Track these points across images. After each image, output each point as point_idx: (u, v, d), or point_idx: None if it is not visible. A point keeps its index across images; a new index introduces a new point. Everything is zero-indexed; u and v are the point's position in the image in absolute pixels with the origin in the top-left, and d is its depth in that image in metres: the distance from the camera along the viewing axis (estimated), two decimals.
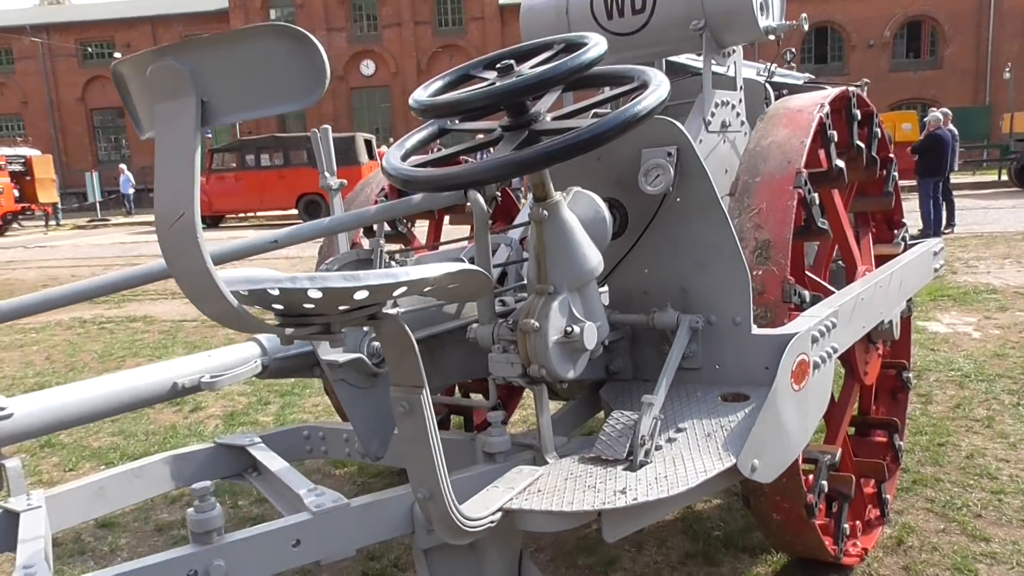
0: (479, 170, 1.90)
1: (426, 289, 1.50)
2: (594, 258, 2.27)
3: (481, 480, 2.18)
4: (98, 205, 32.64)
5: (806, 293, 2.79)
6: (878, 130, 3.64)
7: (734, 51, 3.77)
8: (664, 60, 4.11)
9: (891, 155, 3.87)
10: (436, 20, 44.58)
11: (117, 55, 45.87)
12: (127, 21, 47.89)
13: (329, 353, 2.31)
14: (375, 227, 2.45)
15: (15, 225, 29.39)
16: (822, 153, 3.20)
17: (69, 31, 48.30)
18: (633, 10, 3.67)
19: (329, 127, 2.50)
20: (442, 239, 4.73)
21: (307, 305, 1.40)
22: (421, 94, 2.15)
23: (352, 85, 44.67)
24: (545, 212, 2.19)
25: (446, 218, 4.55)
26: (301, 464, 4.41)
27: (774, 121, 3.13)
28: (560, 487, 2.04)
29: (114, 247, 21.28)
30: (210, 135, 38.51)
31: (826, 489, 2.99)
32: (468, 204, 2.40)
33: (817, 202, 2.93)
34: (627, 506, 1.90)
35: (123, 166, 34.82)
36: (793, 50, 5.63)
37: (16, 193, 28.25)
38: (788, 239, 2.76)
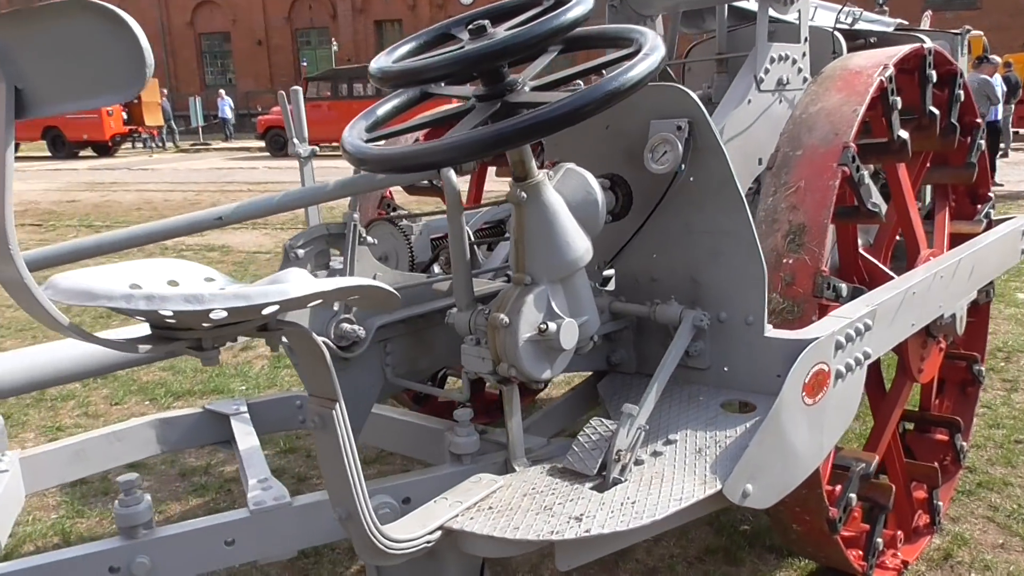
0: (430, 151, 1.67)
1: (317, 301, 1.30)
2: (580, 246, 2.01)
3: (441, 484, 2.01)
4: (200, 130, 33.53)
5: (843, 286, 2.45)
6: (960, 92, 3.18)
7: None
8: (726, 6, 3.71)
9: (978, 120, 3.40)
10: None
11: None
12: None
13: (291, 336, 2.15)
14: (350, 200, 2.26)
15: (137, 145, 30.54)
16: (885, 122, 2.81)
17: None
18: None
19: (300, 88, 2.30)
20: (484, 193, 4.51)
21: (169, 320, 1.22)
22: (384, 59, 1.90)
23: (450, 13, 44.02)
24: (524, 194, 1.94)
25: (490, 169, 4.30)
26: (297, 437, 4.33)
27: (827, 84, 2.75)
28: (515, 505, 1.84)
29: (210, 172, 21.86)
30: (306, 63, 38.83)
31: (854, 502, 2.70)
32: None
33: (867, 181, 2.56)
34: (578, 538, 1.69)
35: (222, 91, 35.55)
36: None
37: (124, 116, 29.27)
38: (826, 224, 2.42)
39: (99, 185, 19.34)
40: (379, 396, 2.52)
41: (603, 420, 2.05)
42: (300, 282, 1.31)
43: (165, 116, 31.46)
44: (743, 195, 2.14)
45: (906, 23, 4.78)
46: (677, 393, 2.30)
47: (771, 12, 3.27)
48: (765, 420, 2.01)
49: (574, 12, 1.77)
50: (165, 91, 34.27)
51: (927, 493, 3.39)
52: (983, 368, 3.81)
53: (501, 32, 1.82)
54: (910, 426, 3.72)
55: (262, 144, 27.11)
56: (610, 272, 2.48)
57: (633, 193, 2.26)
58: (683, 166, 2.17)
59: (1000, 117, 13.83)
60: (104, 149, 29.13)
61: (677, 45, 3.95)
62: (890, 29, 4.59)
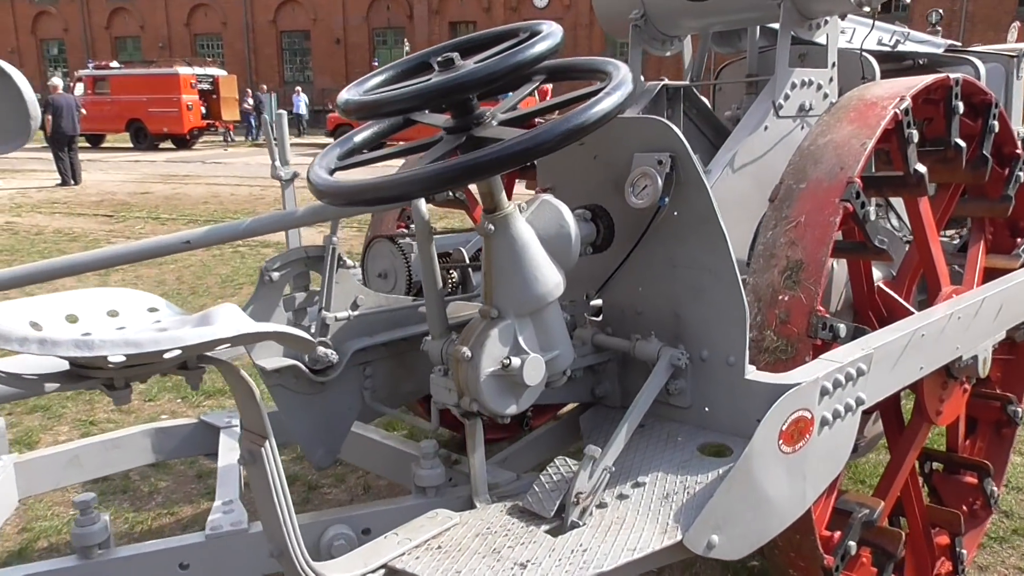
0: (386, 185, 1.65)
1: (224, 346, 1.29)
2: (550, 281, 1.97)
3: (402, 516, 1.99)
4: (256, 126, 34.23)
5: (841, 327, 2.35)
6: (995, 123, 3.02)
7: (826, 22, 3.22)
8: (758, 26, 3.61)
9: (1018, 152, 3.23)
10: None
11: None
12: None
13: (261, 358, 2.16)
14: (331, 223, 2.26)
15: (226, 139, 31.48)
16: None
17: None
18: None
19: (284, 112, 2.31)
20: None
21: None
22: (352, 90, 1.90)
23: (524, 16, 44.17)
24: (492, 226, 1.91)
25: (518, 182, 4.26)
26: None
27: (840, 114, 2.65)
28: (464, 546, 1.81)
29: None
30: (377, 63, 39.40)
31: (854, 550, 2.58)
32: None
33: (873, 217, 2.45)
34: None
35: (299, 88, 36.34)
36: (940, 11, 4.86)
37: (203, 110, 30.18)
38: (824, 262, 2.33)
39: (173, 178, 19.98)
40: (365, 419, 2.53)
41: (567, 459, 2.00)
42: (220, 323, 1.30)
43: (257, 109, 32.14)
44: (725, 232, 2.07)
45: (958, 44, 4.56)
46: (656, 431, 2.24)
47: (798, 34, 3.17)
48: (735, 468, 1.93)
49: (537, 48, 1.73)
50: (263, 87, 35.10)
51: (950, 539, 3.24)
52: (1020, 409, 3.61)
53: (468, 65, 1.79)
54: (939, 467, 3.56)
55: (332, 140, 27.60)
56: (597, 302, 2.43)
57: (616, 225, 2.21)
58: (666, 200, 2.11)
59: None
60: (183, 142, 30.09)
61: (705, 64, 3.85)
62: (940, 51, 4.40)
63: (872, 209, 2.44)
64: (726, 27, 3.64)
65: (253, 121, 32.41)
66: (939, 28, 4.69)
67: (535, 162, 2.51)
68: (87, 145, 29.58)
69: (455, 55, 1.80)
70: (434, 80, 1.72)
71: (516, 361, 1.91)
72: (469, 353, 1.90)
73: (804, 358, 2.29)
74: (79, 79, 30.38)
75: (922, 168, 2.64)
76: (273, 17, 50.38)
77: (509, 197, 4.54)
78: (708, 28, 3.64)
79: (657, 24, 3.53)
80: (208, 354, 1.41)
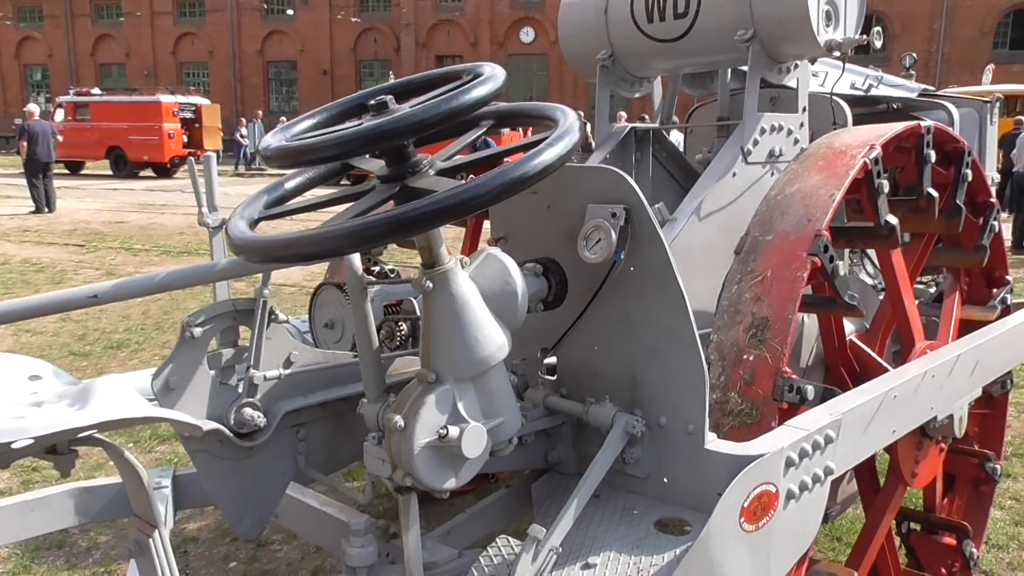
0: (303, 241, 1.50)
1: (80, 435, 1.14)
2: (493, 342, 1.82)
3: None
4: (249, 154, 34.02)
5: (809, 388, 2.21)
6: (968, 172, 2.92)
7: (796, 66, 3.13)
8: (728, 68, 3.51)
9: (991, 201, 3.13)
10: None
11: (288, 12, 47.95)
12: None
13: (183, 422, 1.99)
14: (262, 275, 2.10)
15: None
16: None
17: None
18: (675, 13, 3.11)
19: (213, 154, 2.17)
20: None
21: None
22: (279, 135, 1.75)
23: (510, 52, 44.48)
24: (430, 283, 1.76)
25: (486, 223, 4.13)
26: None
27: (808, 163, 2.53)
28: None
29: None
30: None
31: None
32: None
33: (843, 272, 2.33)
34: None
35: (283, 118, 36.22)
36: (914, 55, 4.81)
37: (185, 139, 30.01)
38: (790, 319, 2.20)
39: (150, 207, 19.76)
40: (304, 480, 2.36)
41: (509, 540, 1.84)
42: (92, 405, 1.15)
43: (239, 137, 31.92)
44: (683, 290, 1.93)
45: (932, 89, 4.50)
46: (611, 503, 2.08)
47: (768, 78, 3.07)
48: (692, 548, 1.78)
49: (474, 93, 1.60)
50: (257, 114, 34.91)
51: None
52: (998, 466, 3.47)
53: (401, 110, 1.65)
54: (916, 526, 3.41)
55: None
56: (551, 360, 2.28)
57: (569, 280, 2.06)
58: (621, 255, 1.97)
59: None
60: (163, 170, 29.87)
61: (676, 107, 3.75)
62: (914, 95, 4.33)
63: (842, 264, 2.32)
64: (696, 69, 3.55)
65: (246, 151, 32.21)
66: (913, 72, 4.64)
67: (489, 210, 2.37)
68: (66, 172, 29.33)
69: (389, 98, 1.67)
70: (362, 126, 1.58)
71: (454, 431, 1.75)
72: (402, 422, 1.75)
73: (770, 423, 2.15)
74: (59, 105, 30.19)
75: (893, 219, 2.53)
76: (260, 47, 50.52)
77: (478, 238, 4.41)
78: (678, 70, 3.55)
79: (625, 65, 3.43)
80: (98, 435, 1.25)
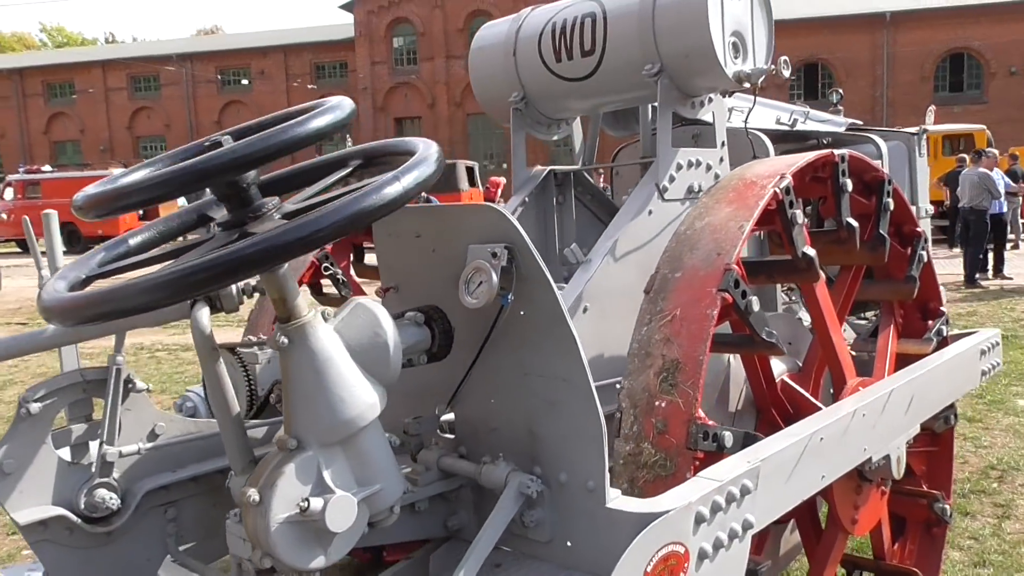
0: (109, 298, 1.33)
1: None
2: (361, 400, 1.64)
3: None
4: None
5: (727, 435, 2.05)
6: (890, 200, 2.83)
7: (711, 100, 3.04)
8: (649, 106, 3.42)
9: (919, 230, 3.04)
10: None
11: (241, 81, 48.32)
12: (261, 50, 50.29)
13: (18, 508, 1.77)
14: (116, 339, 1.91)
15: None
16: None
17: (210, 59, 51.24)
18: (582, 51, 3.02)
19: (55, 212, 2.01)
20: None
21: None
22: (98, 186, 1.59)
23: (468, 111, 45.01)
24: (285, 339, 1.59)
25: None
26: None
27: (718, 195, 2.42)
28: None
29: None
30: None
31: None
32: None
33: (756, 307, 2.19)
34: None
35: None
36: (840, 91, 4.80)
37: (140, 211, 29.65)
38: (701, 360, 2.05)
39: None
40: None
41: None
42: None
43: None
44: (575, 335, 1.77)
45: (859, 123, 4.47)
46: (514, 572, 1.89)
47: (680, 112, 2.98)
48: None
49: (312, 124, 1.45)
50: None
51: None
52: (948, 506, 3.32)
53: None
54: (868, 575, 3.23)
55: None
56: (448, 416, 2.10)
57: (458, 328, 1.90)
58: (509, 298, 1.81)
59: (1006, 210, 13.44)
60: None
61: (598, 147, 3.65)
62: (841, 129, 4.29)
63: (755, 299, 2.18)
64: (611, 107, 3.45)
65: None
66: (841, 108, 4.62)
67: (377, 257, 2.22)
68: (17, 250, 28.75)
69: (225, 138, 1.51)
70: (185, 163, 1.42)
71: (317, 502, 1.56)
72: (257, 496, 1.55)
73: (685, 474, 1.98)
74: (8, 184, 29.77)
75: (811, 251, 2.41)
76: (217, 118, 50.64)
77: None
78: (595, 109, 3.45)
79: (539, 107, 3.33)
80: None
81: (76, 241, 29.24)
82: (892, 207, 2.83)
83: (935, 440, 3.37)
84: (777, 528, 2.82)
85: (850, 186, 2.60)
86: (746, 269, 2.52)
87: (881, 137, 4.19)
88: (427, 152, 1.54)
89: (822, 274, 2.46)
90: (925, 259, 3.04)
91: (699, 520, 1.77)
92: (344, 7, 47.84)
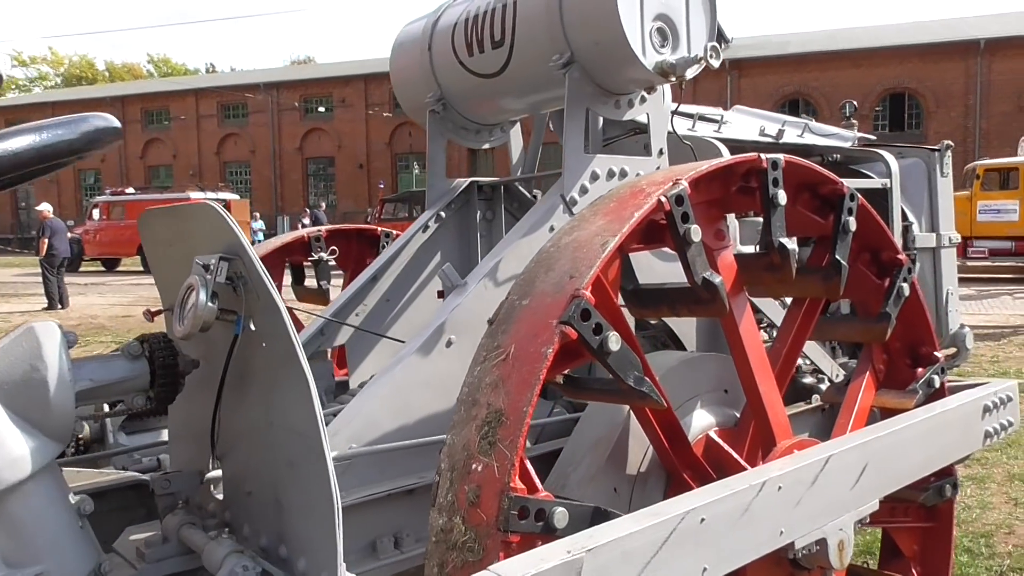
0: None
1: None
2: (4, 455, 1.24)
3: None
4: None
5: (558, 511, 1.58)
6: (851, 219, 2.29)
7: (643, 99, 2.57)
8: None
9: (899, 257, 2.49)
10: None
11: (320, 109, 49.45)
12: (344, 79, 51.40)
13: None
14: None
15: None
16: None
17: (295, 88, 52.65)
18: (492, 42, 2.59)
19: None
20: None
21: None
22: None
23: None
24: None
25: None
26: None
27: (599, 206, 1.95)
28: None
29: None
30: (382, 186, 40.01)
31: None
32: None
33: (616, 347, 1.71)
34: None
35: (307, 210, 36.65)
36: (854, 102, 4.23)
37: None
38: (525, 412, 1.58)
39: None
40: None
41: None
42: None
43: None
44: (310, 377, 1.33)
45: (872, 138, 3.89)
46: None
47: (602, 113, 2.52)
48: None
49: None
50: (321, 206, 35.51)
51: None
52: None
53: None
54: None
55: None
56: (215, 474, 1.68)
57: (187, 363, 1.49)
58: (246, 323, 1.39)
59: None
60: None
61: (540, 154, 3.20)
62: (848, 144, 3.73)
63: (613, 336, 1.69)
64: (533, 110, 2.99)
65: None
66: (854, 121, 4.04)
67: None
68: (101, 269, 29.78)
69: None
70: None
71: None
72: None
73: (493, 562, 1.51)
74: (95, 205, 30.95)
75: (715, 278, 1.91)
76: (299, 145, 51.91)
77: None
78: (522, 111, 3.00)
79: (460, 108, 2.91)
80: None
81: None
82: (853, 227, 2.29)
83: (932, 514, 2.77)
84: None
85: (783, 198, 2.09)
86: (643, 297, 2.04)
87: (895, 153, 3.62)
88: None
89: (730, 306, 1.95)
90: (906, 293, 2.48)
91: None
92: None
